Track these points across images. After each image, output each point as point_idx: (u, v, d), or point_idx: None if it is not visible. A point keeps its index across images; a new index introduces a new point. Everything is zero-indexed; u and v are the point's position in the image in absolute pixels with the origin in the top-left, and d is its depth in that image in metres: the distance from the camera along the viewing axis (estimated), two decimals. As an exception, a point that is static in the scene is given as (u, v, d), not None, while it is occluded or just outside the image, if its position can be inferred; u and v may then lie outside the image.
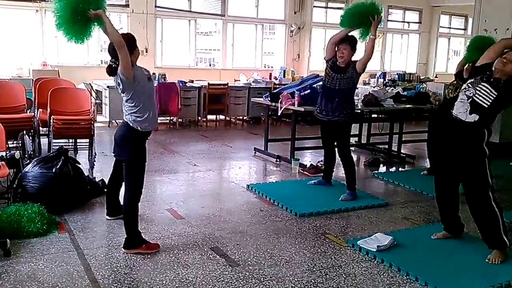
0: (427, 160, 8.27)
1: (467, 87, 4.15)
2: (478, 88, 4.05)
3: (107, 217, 4.84)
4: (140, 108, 4.08)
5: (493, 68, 4.07)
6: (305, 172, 7.05)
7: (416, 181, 6.70)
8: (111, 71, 4.02)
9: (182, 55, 13.41)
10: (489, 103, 4.00)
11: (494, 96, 3.98)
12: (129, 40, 4.03)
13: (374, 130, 9.29)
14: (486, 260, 4.16)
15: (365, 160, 7.98)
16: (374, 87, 11.12)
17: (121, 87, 4.03)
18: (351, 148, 6.34)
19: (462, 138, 4.16)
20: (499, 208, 4.15)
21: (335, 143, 5.99)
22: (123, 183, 4.29)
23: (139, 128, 4.10)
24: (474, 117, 4.06)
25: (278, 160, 7.75)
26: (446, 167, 4.40)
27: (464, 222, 4.67)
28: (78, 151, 7.49)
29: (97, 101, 10.72)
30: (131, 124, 4.10)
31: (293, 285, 3.70)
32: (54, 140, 6.70)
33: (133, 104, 4.08)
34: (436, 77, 16.20)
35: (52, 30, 11.40)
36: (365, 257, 4.24)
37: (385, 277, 3.90)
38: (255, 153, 8.31)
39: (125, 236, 4.23)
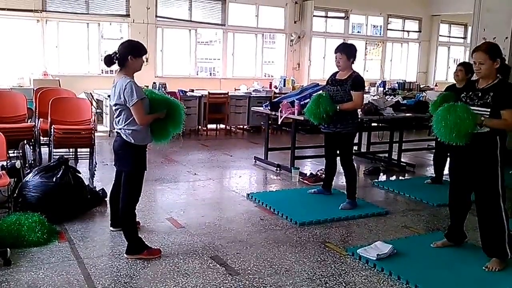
0: (428, 168, 8.31)
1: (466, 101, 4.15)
2: (474, 110, 4.03)
3: (111, 228, 4.82)
4: (135, 123, 4.14)
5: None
6: (305, 181, 7.05)
7: (416, 189, 6.70)
8: (110, 62, 4.14)
9: (183, 64, 13.46)
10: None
11: (489, 110, 3.98)
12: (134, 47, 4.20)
13: (374, 138, 9.30)
14: (484, 268, 4.15)
15: (365, 168, 7.99)
16: (374, 96, 11.13)
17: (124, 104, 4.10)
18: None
19: (476, 148, 4.07)
20: (507, 219, 4.12)
21: (337, 154, 6.00)
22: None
23: (133, 141, 4.15)
24: (485, 127, 4.01)
25: (278, 169, 7.77)
26: (460, 175, 4.37)
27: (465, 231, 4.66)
28: (79, 161, 7.50)
29: (97, 110, 10.76)
30: (125, 138, 4.15)
31: (293, 294, 3.71)
32: (54, 150, 6.72)
33: (131, 119, 4.13)
34: (436, 85, 16.23)
35: (53, 40, 11.59)
36: (365, 266, 4.24)
37: (385, 285, 3.90)
38: (255, 162, 8.32)
39: (126, 243, 4.26)
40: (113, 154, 4.43)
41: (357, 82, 5.61)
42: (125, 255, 4.23)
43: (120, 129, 4.19)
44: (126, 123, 4.14)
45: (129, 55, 4.11)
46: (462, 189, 4.39)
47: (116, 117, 4.22)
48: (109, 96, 9.73)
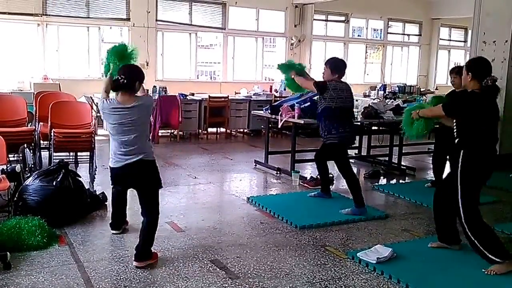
0: (428, 172, 8.30)
1: None
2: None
3: (113, 231, 4.83)
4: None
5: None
6: (305, 184, 7.05)
7: (416, 193, 6.69)
8: (118, 87, 3.99)
9: (183, 68, 13.49)
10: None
11: (455, 120, 4.33)
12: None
13: (374, 142, 9.30)
14: (483, 270, 4.14)
15: (365, 172, 7.98)
16: (374, 100, 11.14)
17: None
18: (351, 161, 6.35)
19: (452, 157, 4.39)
20: (480, 231, 4.16)
21: (325, 159, 6.08)
22: (141, 205, 4.26)
23: (153, 158, 4.21)
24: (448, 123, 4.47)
25: (278, 172, 7.77)
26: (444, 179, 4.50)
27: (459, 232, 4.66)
28: (79, 164, 7.50)
29: (98, 114, 10.75)
30: (149, 157, 4.15)
31: (293, 298, 3.70)
32: (54, 154, 6.71)
33: (146, 134, 4.21)
34: (436, 89, 16.25)
35: (53, 44, 11.61)
36: (364, 269, 4.24)
37: (385, 289, 3.91)
38: (255, 165, 8.32)
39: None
40: (124, 177, 4.21)
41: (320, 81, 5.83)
42: (135, 263, 4.11)
43: (138, 148, 4.04)
44: (146, 140, 4.18)
45: (137, 81, 4.07)
46: (444, 191, 4.49)
47: (133, 138, 4.01)
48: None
